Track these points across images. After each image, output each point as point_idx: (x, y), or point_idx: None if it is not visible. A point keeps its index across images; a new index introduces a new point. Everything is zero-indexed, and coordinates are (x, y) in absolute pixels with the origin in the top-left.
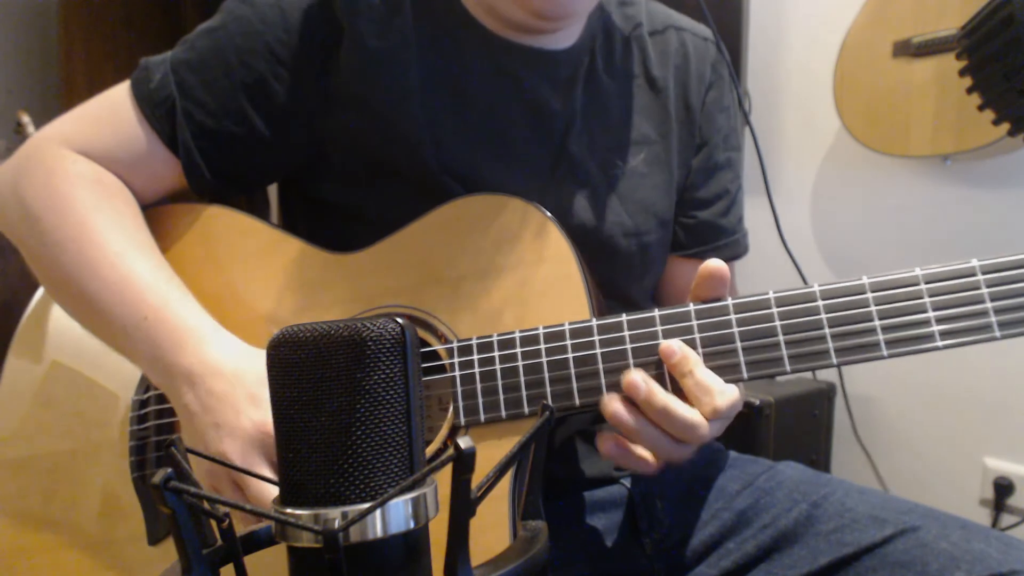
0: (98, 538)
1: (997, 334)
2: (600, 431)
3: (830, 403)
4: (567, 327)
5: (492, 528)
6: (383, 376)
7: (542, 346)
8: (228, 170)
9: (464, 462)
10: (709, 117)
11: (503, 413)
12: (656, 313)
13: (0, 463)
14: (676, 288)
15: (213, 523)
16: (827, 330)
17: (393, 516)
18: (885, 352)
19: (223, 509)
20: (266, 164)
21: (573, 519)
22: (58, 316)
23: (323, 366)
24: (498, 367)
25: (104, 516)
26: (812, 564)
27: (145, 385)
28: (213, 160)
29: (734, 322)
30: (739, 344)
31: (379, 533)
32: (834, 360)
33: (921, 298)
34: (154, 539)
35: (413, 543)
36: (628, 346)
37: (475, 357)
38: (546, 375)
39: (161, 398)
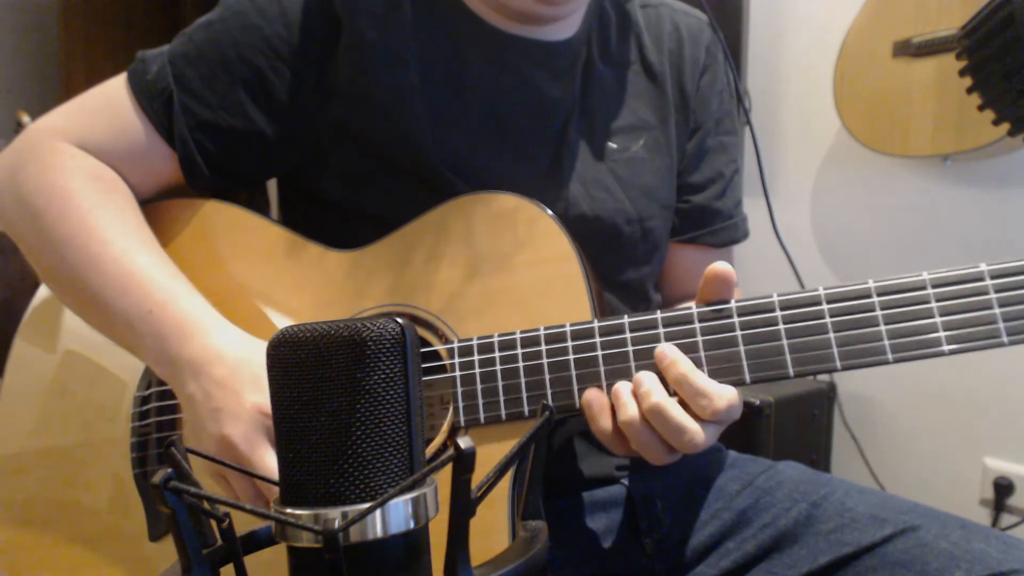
0: (101, 532)
1: (1005, 340)
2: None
3: (830, 403)
4: (568, 328)
5: (492, 528)
6: (383, 376)
7: (543, 347)
8: (225, 164)
9: (464, 462)
10: (703, 101)
11: (503, 414)
12: (658, 315)
13: (7, 456)
14: (674, 274)
15: (213, 523)
16: (832, 334)
17: (393, 516)
18: (890, 357)
19: (223, 509)
20: (263, 159)
21: (573, 519)
22: (59, 310)
23: (323, 366)
24: (499, 367)
25: (107, 511)
26: (812, 564)
27: (147, 380)
28: (210, 154)
29: (737, 325)
30: (742, 347)
31: (379, 533)
32: (838, 365)
33: (928, 303)
34: (155, 535)
35: (413, 543)
36: (630, 348)
37: (476, 357)
38: (547, 376)
39: (162, 394)
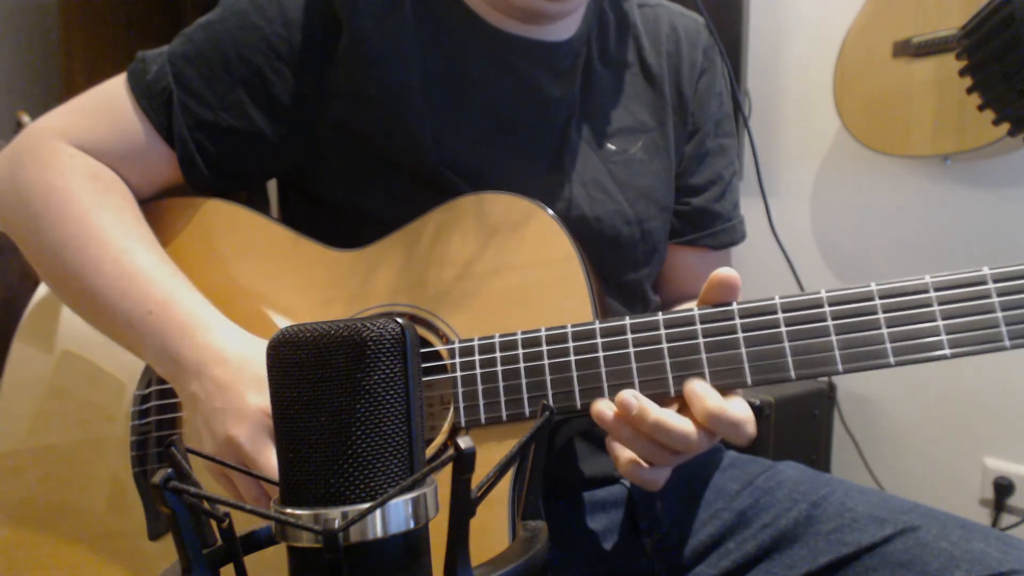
0: (100, 531)
1: (1007, 344)
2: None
3: (830, 403)
4: (569, 329)
5: (492, 528)
6: (383, 376)
7: (544, 348)
8: (224, 164)
9: (464, 462)
10: (701, 103)
11: (504, 414)
12: (660, 317)
13: (6, 454)
14: (673, 275)
15: (213, 523)
16: (833, 337)
17: (393, 516)
18: (892, 360)
19: (223, 509)
20: (263, 159)
21: (573, 519)
22: (58, 309)
23: (323, 366)
24: (499, 368)
25: (107, 510)
26: (812, 564)
27: (147, 379)
28: (209, 154)
29: (739, 327)
30: (744, 350)
31: (379, 533)
32: (840, 368)
33: (930, 306)
34: (155, 534)
35: (413, 543)
36: (631, 349)
37: (476, 358)
38: (547, 377)
39: (162, 393)
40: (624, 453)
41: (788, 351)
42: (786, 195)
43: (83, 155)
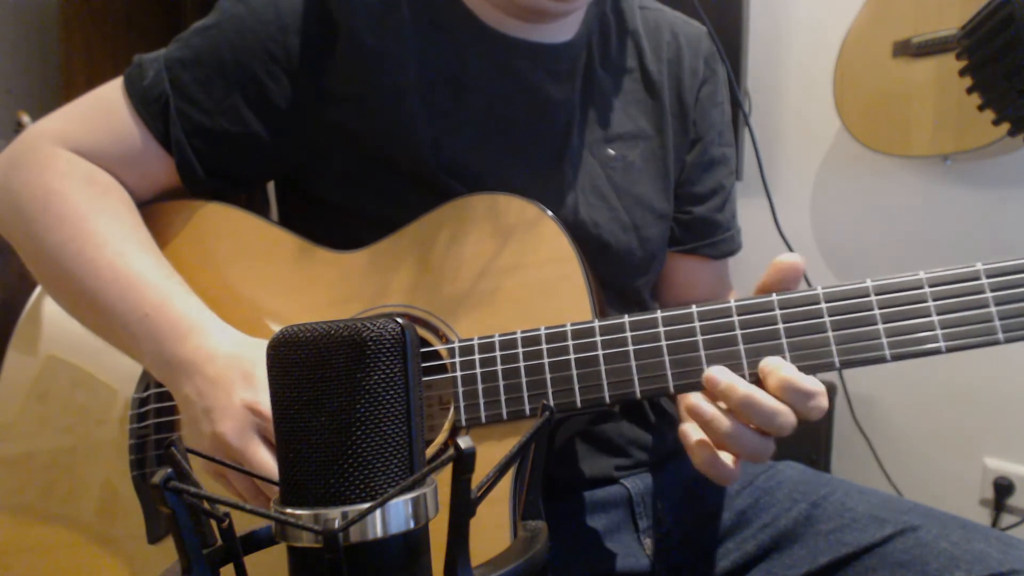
0: (97, 536)
1: (1000, 338)
2: (680, 424)
3: (830, 403)
4: (569, 328)
5: (492, 528)
6: (383, 376)
7: (544, 347)
8: (222, 168)
9: (464, 462)
10: (703, 112)
11: (504, 413)
12: (659, 315)
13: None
14: (673, 282)
15: (213, 523)
16: (830, 333)
17: (393, 516)
18: (888, 355)
19: (223, 509)
20: (261, 163)
21: (573, 519)
22: (56, 311)
23: (323, 366)
24: (500, 367)
25: (103, 514)
26: (812, 564)
27: (145, 383)
28: (207, 158)
29: (736, 324)
30: (742, 346)
31: (379, 533)
32: (837, 363)
33: (925, 301)
34: (154, 538)
35: (413, 543)
36: (630, 347)
37: (476, 357)
38: (548, 376)
39: (161, 396)
40: (695, 435)
41: (786, 347)
42: (786, 195)
43: (80, 159)
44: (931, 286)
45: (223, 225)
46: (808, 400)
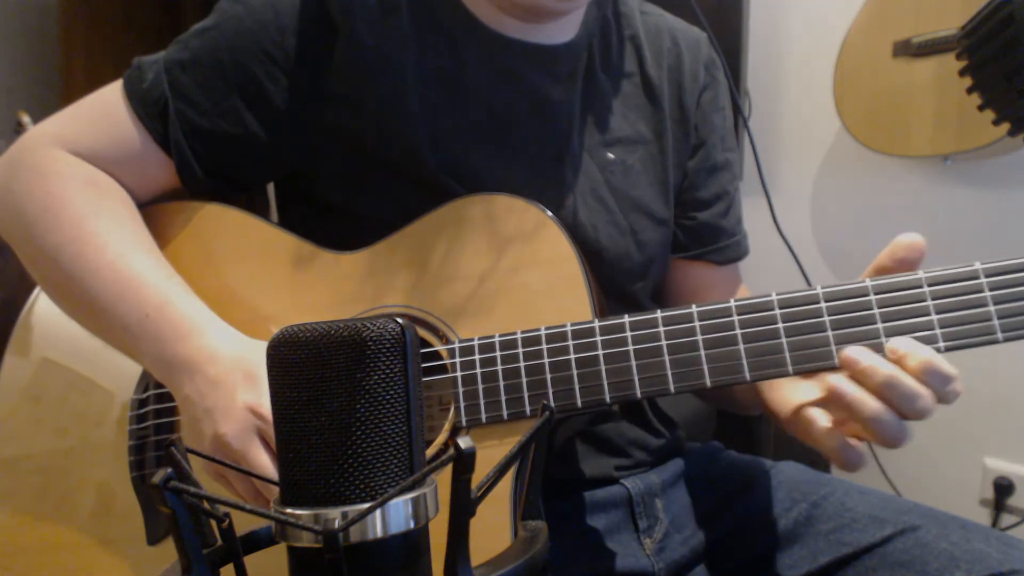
0: (96, 538)
1: (999, 337)
2: (800, 410)
3: None
4: (569, 328)
5: (492, 528)
6: (383, 376)
7: (544, 347)
8: (221, 170)
9: (464, 462)
10: (705, 117)
11: (505, 413)
12: (659, 314)
13: None
14: (678, 289)
15: (213, 523)
16: (830, 332)
17: (393, 516)
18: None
19: (223, 509)
20: (260, 164)
21: (573, 519)
22: (51, 314)
23: (323, 366)
24: (500, 368)
25: (102, 515)
26: (812, 564)
27: (144, 384)
28: (206, 160)
29: (736, 323)
30: (742, 346)
31: (379, 533)
32: (836, 362)
33: (924, 300)
34: (153, 539)
35: (413, 543)
36: (630, 347)
37: (476, 357)
38: (548, 376)
39: (160, 397)
40: (824, 421)
41: (785, 347)
42: (786, 195)
43: (80, 161)
44: (930, 285)
45: (223, 226)
46: (948, 383)
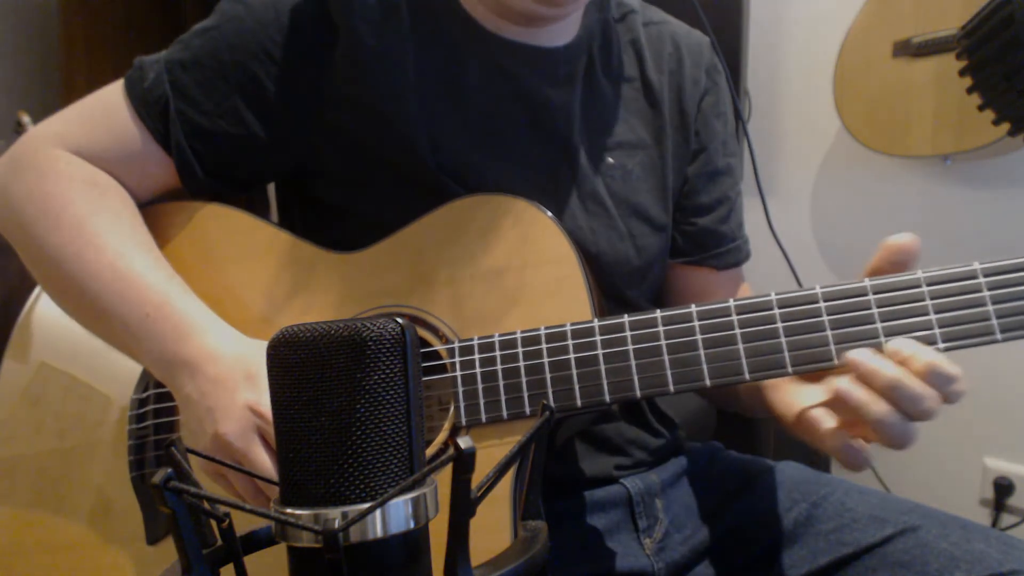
0: (96, 537)
1: (999, 336)
2: (805, 413)
3: None
4: (569, 328)
5: (492, 528)
6: (383, 376)
7: (544, 346)
8: (222, 170)
9: (464, 462)
10: (706, 123)
11: (504, 413)
12: (658, 314)
13: None
14: (678, 294)
15: (213, 523)
16: (829, 332)
17: (393, 516)
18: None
19: (223, 509)
20: (260, 164)
21: (573, 519)
22: (48, 318)
23: (323, 366)
24: (499, 367)
25: (101, 516)
26: (812, 564)
27: (144, 383)
28: (206, 160)
29: (736, 323)
30: (741, 345)
31: (379, 533)
32: (836, 361)
33: (923, 300)
34: (153, 539)
35: (413, 543)
36: (630, 347)
37: (476, 357)
38: (548, 376)
39: (160, 397)
40: (829, 422)
41: (785, 346)
42: (786, 195)
43: (80, 161)
44: (928, 285)
45: (223, 226)
46: (951, 384)
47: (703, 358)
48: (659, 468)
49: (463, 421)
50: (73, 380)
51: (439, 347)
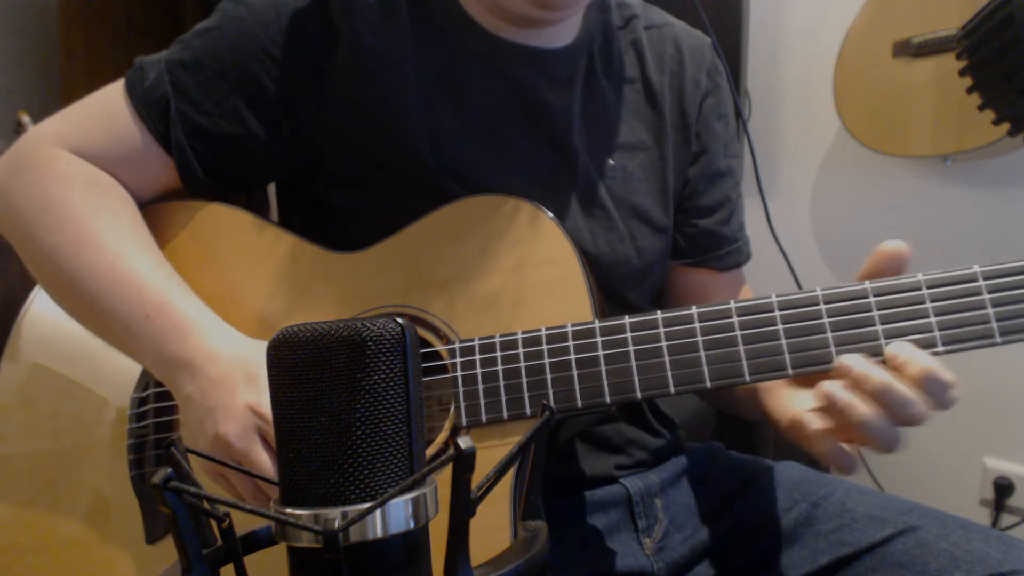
0: (95, 537)
1: (998, 339)
2: (797, 416)
3: None
4: (569, 328)
5: (492, 528)
6: (383, 376)
7: (544, 347)
8: (222, 170)
9: (464, 462)
10: (707, 124)
11: (505, 414)
12: (659, 315)
13: None
14: (679, 296)
15: (213, 523)
16: (829, 334)
17: (393, 516)
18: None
19: (223, 509)
20: (261, 164)
21: (573, 519)
22: (45, 320)
23: (323, 366)
24: (500, 368)
25: (101, 515)
26: (812, 564)
27: (144, 383)
28: (207, 160)
29: (736, 325)
30: (741, 347)
31: (379, 533)
32: (836, 363)
33: (923, 303)
34: (152, 538)
35: (413, 543)
36: (631, 348)
37: (477, 357)
38: (548, 376)
39: (160, 396)
40: (816, 424)
41: (785, 348)
42: (786, 195)
43: (81, 161)
44: (928, 287)
45: (223, 226)
46: (946, 391)
47: (704, 359)
48: (659, 468)
49: (463, 421)
50: (69, 381)
51: (440, 347)
